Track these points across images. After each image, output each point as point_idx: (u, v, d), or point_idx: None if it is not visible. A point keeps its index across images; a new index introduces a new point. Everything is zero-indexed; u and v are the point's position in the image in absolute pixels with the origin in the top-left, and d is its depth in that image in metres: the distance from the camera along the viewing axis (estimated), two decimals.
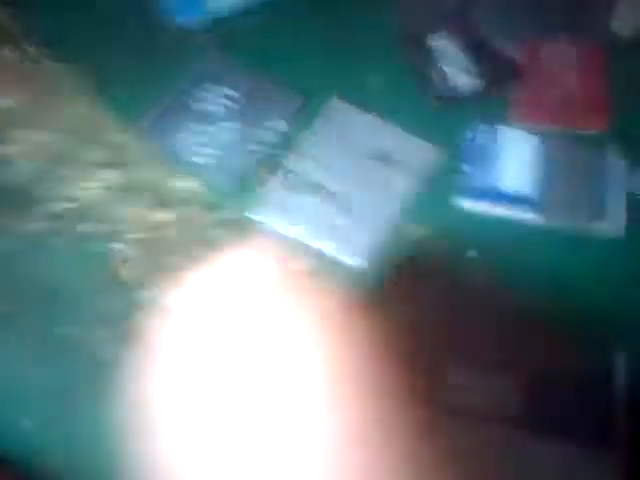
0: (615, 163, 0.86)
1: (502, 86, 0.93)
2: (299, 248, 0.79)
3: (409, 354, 0.50)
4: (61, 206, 0.53)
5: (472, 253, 0.80)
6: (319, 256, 0.79)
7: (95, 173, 0.55)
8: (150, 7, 0.96)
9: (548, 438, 0.69)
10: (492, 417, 0.70)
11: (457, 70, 0.93)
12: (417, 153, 0.87)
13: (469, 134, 0.88)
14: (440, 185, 0.85)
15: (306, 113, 0.89)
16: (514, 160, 0.87)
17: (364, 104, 0.89)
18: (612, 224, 0.82)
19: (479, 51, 0.94)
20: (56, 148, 0.55)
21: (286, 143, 0.87)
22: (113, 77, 0.85)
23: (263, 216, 0.81)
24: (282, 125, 0.88)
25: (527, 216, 0.83)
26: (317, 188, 0.83)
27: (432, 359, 0.71)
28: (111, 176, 0.56)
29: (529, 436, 0.70)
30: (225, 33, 0.95)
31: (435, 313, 0.74)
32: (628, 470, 0.68)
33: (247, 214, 0.81)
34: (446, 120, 0.90)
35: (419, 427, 0.46)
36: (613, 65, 0.95)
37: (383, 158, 0.86)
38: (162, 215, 0.56)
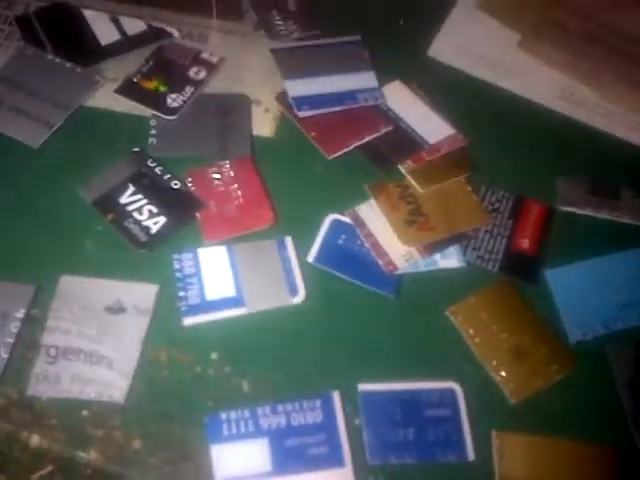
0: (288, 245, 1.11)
1: (188, 216, 1.13)
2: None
3: None
4: None
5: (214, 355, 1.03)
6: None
7: None
8: None
9: None
10: None
11: (148, 216, 1.12)
12: (142, 295, 1.05)
13: (176, 265, 1.08)
14: (167, 313, 1.04)
15: (43, 296, 1.04)
16: (215, 273, 1.08)
17: (88, 270, 1.06)
18: (302, 294, 1.08)
19: (160, 195, 1.14)
20: None
21: (35, 325, 1.02)
22: None
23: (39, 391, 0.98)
24: (21, 313, 1.02)
25: (235, 312, 1.05)
26: (75, 352, 1.00)
27: None
28: None
29: None
30: None
31: None
32: None
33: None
34: (156, 260, 1.09)
35: None
36: (261, 165, 1.19)
37: (118, 309, 1.04)
38: None
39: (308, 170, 1.22)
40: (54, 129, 1.20)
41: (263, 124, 1.26)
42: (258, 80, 1.31)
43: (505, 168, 1.24)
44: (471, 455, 0.97)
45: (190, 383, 1.01)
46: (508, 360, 1.04)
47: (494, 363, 1.04)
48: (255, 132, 1.25)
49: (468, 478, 0.97)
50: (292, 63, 1.30)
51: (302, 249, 1.12)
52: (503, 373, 1.03)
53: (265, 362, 1.04)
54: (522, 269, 1.14)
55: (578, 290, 1.11)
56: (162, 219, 1.12)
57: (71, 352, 1.01)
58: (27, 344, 1.01)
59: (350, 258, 1.12)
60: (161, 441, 0.97)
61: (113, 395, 0.98)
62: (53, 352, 1.00)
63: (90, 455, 0.95)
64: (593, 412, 1.03)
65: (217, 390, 1.01)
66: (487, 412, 1.01)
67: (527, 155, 1.26)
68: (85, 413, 0.98)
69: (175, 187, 1.16)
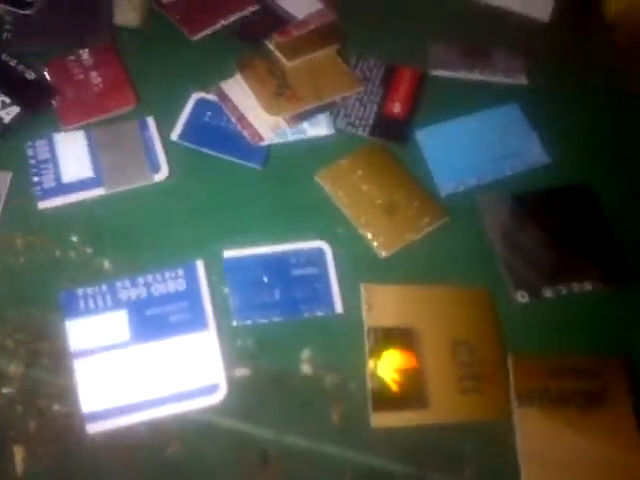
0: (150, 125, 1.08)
1: (41, 104, 1.08)
2: None
3: None
4: None
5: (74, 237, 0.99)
6: None
7: None
8: None
9: None
10: None
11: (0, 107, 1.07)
12: None
13: (29, 151, 1.04)
14: (22, 199, 1.00)
15: None
16: (72, 157, 1.04)
17: None
18: (165, 172, 1.04)
19: (10, 84, 1.09)
20: None
21: None
22: None
23: None
24: None
25: (93, 193, 1.01)
26: None
27: None
28: None
29: None
30: None
31: None
32: None
33: None
34: (10, 149, 1.05)
35: None
36: (126, 53, 1.16)
37: None
38: None
39: (174, 53, 1.18)
40: None
41: (127, 14, 1.21)
42: None
43: (377, 37, 1.21)
44: (339, 308, 0.95)
45: (49, 267, 0.97)
46: (378, 217, 1.01)
47: (363, 221, 1.01)
48: (119, 22, 1.20)
49: (336, 330, 0.94)
50: None
51: (167, 129, 1.08)
52: (373, 229, 1.00)
53: (128, 240, 1.00)
54: (392, 132, 1.11)
55: (449, 147, 1.09)
56: (15, 109, 1.07)
57: None
58: None
59: (216, 134, 1.08)
60: (17, 325, 0.92)
61: None
62: None
63: None
64: (465, 259, 1.01)
65: (78, 271, 0.96)
66: (357, 268, 0.98)
67: (399, 24, 1.23)
68: None
69: (30, 77, 1.11)
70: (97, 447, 0.86)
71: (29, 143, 1.05)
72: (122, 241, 0.99)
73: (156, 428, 0.87)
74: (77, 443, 0.86)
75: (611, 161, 1.13)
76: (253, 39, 1.18)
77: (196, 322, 0.92)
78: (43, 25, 1.18)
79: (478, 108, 1.13)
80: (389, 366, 0.91)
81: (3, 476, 0.84)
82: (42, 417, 0.87)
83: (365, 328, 0.93)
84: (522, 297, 0.97)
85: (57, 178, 1.02)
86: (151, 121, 1.08)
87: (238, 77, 1.13)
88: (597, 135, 1.15)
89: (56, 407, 0.88)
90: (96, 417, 0.86)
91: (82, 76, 1.12)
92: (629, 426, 0.91)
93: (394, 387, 0.90)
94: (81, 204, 1.01)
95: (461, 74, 1.17)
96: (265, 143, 1.07)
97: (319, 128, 1.09)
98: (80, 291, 0.93)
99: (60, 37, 1.17)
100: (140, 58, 1.16)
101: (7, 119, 1.07)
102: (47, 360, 0.90)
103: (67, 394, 0.88)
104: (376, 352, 0.91)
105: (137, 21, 1.21)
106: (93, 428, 0.86)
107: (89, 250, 0.98)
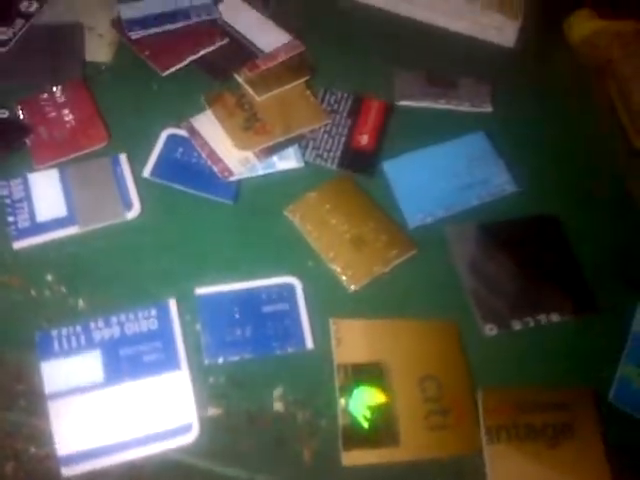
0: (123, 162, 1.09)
1: (16, 143, 1.09)
2: None
3: None
4: None
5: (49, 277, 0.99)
6: None
7: None
8: None
9: None
10: None
11: None
12: None
13: (4, 191, 1.04)
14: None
15: None
16: (45, 195, 1.05)
17: None
18: (137, 209, 1.05)
19: None
20: None
21: None
22: None
23: None
24: None
25: (67, 231, 1.02)
26: None
27: None
28: None
29: None
30: None
31: None
32: None
33: None
34: None
35: None
36: (97, 89, 1.16)
37: None
38: None
39: (144, 89, 1.19)
40: None
41: (98, 49, 1.22)
42: (92, 7, 1.27)
43: (345, 70, 1.24)
44: (310, 344, 0.96)
45: (24, 306, 0.98)
46: (347, 250, 1.03)
47: (332, 255, 1.02)
48: (90, 58, 1.21)
49: (307, 366, 0.96)
50: None
51: (139, 165, 1.09)
52: (341, 263, 1.02)
53: (102, 279, 1.01)
54: (360, 164, 1.13)
55: (416, 178, 1.11)
56: None
57: None
58: None
59: (187, 170, 1.10)
60: None
61: None
62: None
63: None
64: (433, 292, 1.03)
65: (53, 310, 0.97)
66: (327, 303, 1.00)
67: (366, 56, 1.26)
68: None
69: (3, 116, 1.12)
70: None
71: (4, 182, 1.06)
72: (96, 279, 1.00)
73: (130, 470, 0.88)
74: None
75: (579, 189, 1.15)
76: (222, 73, 1.19)
77: (169, 362, 0.93)
78: (15, 62, 1.18)
79: (445, 137, 1.15)
80: (360, 403, 0.92)
81: None
82: (19, 460, 0.88)
83: (335, 364, 0.94)
84: (491, 330, 0.99)
85: (32, 217, 1.03)
86: (123, 158, 1.09)
87: (208, 112, 1.14)
88: (564, 162, 1.17)
89: (33, 449, 0.89)
90: (71, 460, 0.87)
91: (54, 114, 1.13)
92: (598, 457, 0.92)
93: (365, 424, 0.91)
94: (55, 243, 1.02)
95: (427, 104, 1.19)
96: (235, 178, 1.09)
97: (288, 161, 1.11)
98: (55, 332, 0.94)
99: (33, 74, 1.18)
100: (111, 94, 1.16)
101: None
102: (24, 402, 0.91)
103: (44, 436, 0.89)
104: (346, 388, 0.93)
105: (108, 56, 1.22)
106: (68, 471, 0.87)
107: (64, 289, 0.99)
